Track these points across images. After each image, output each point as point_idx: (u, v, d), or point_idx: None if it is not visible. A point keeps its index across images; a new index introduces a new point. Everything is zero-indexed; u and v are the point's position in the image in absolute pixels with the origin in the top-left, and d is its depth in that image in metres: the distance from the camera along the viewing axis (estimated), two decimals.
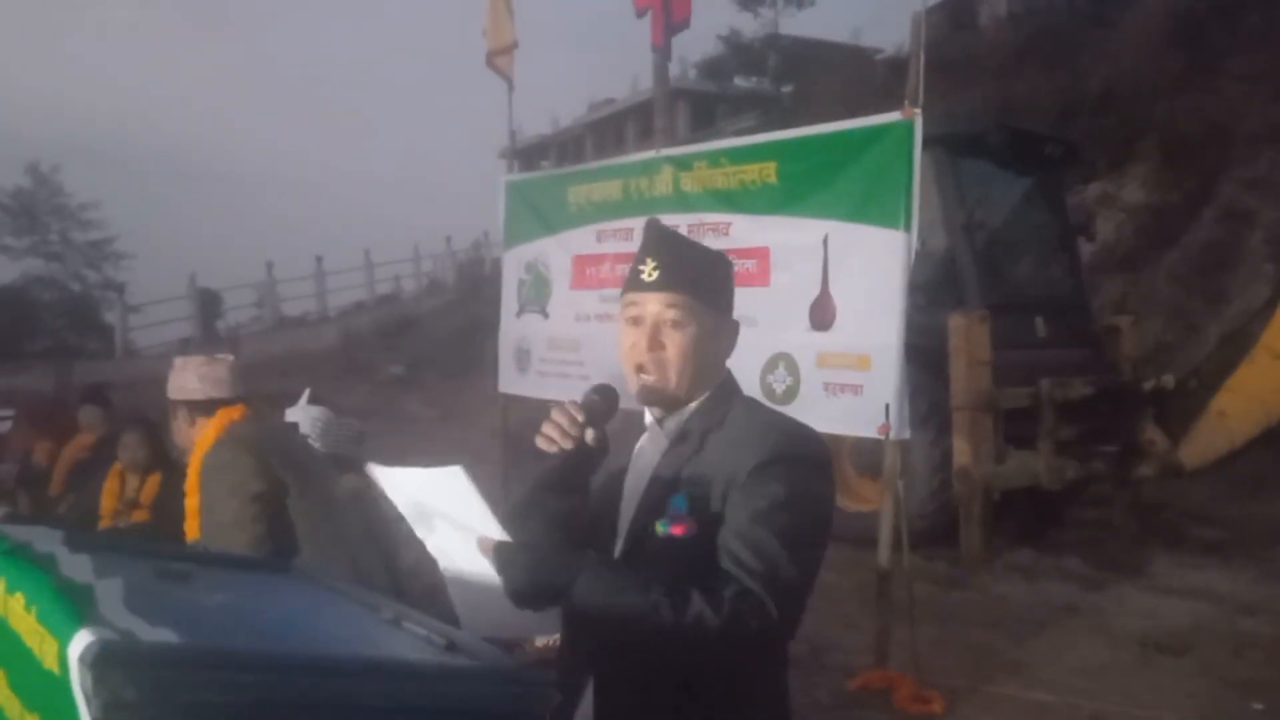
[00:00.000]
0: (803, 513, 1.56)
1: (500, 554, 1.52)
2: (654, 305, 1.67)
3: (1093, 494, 7.45)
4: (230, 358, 3.05)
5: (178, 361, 3.05)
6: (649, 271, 1.67)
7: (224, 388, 2.95)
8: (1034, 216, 8.12)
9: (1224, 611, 5.66)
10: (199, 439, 2.93)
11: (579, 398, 1.69)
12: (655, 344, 1.66)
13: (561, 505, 1.64)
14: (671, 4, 5.74)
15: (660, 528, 1.60)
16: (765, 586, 1.47)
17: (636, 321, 1.69)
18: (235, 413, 2.95)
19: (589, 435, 1.64)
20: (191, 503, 2.94)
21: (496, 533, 1.53)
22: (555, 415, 1.64)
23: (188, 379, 2.95)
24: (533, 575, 1.50)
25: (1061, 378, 6.72)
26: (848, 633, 5.04)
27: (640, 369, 1.68)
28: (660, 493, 1.64)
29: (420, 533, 1.71)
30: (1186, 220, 11.28)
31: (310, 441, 3.30)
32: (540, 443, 1.63)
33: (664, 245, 1.70)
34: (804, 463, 1.61)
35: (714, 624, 1.44)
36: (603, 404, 1.68)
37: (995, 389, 6.42)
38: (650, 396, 1.70)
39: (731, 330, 1.75)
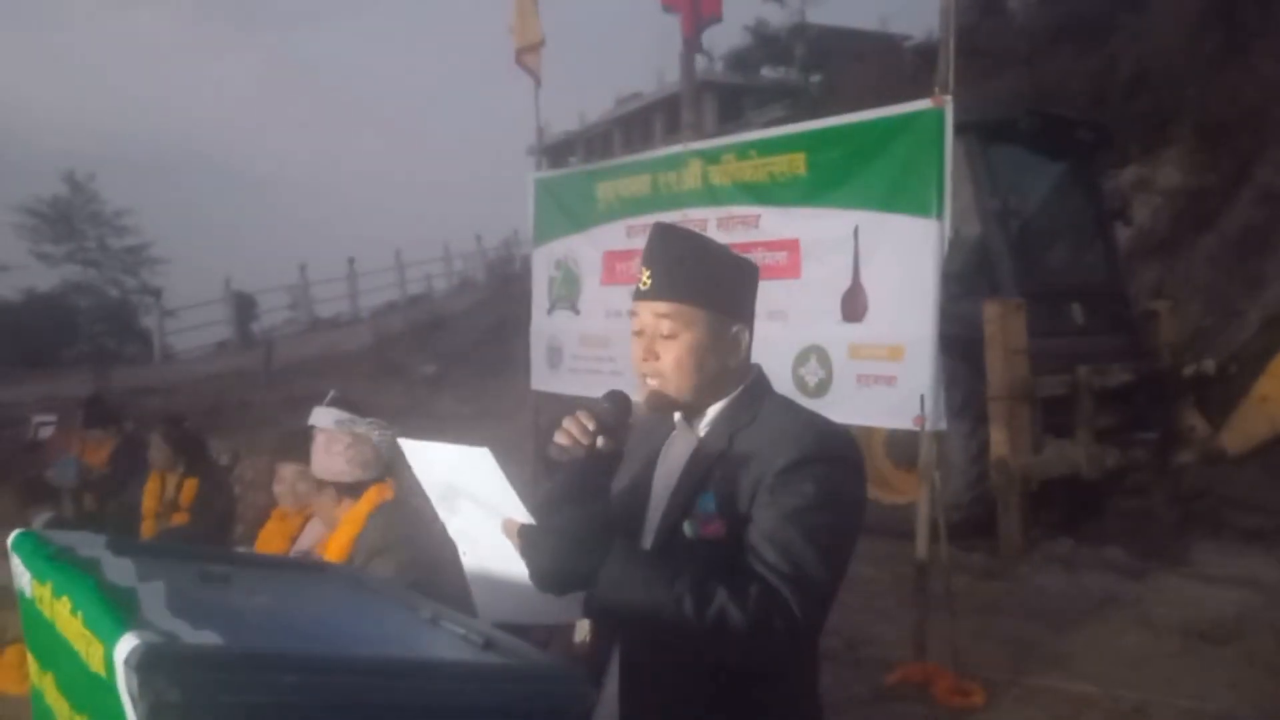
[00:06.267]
0: (832, 514, 1.55)
1: (526, 537, 1.51)
2: (648, 315, 1.68)
3: (1133, 482, 7.34)
4: (374, 434, 2.90)
5: (320, 439, 2.90)
6: (644, 279, 1.68)
7: (371, 469, 2.85)
8: (1068, 202, 8.02)
9: (1268, 599, 5.56)
10: (347, 517, 2.83)
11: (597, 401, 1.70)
12: (650, 354, 1.67)
13: (580, 511, 1.64)
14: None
15: (688, 528, 1.60)
16: (791, 587, 1.47)
17: (639, 331, 1.70)
18: (387, 491, 2.84)
19: (600, 442, 1.64)
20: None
21: (523, 517, 1.53)
22: (567, 424, 1.66)
23: (334, 462, 2.83)
24: (558, 559, 1.48)
25: (1099, 365, 6.66)
26: (885, 626, 5.01)
27: (645, 378, 1.69)
28: (690, 491, 1.63)
29: (443, 514, 1.71)
30: (1223, 203, 11.10)
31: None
32: (553, 451, 1.65)
33: (661, 251, 1.69)
34: (835, 464, 1.59)
35: (737, 621, 1.43)
36: (614, 411, 1.69)
37: (1032, 378, 6.35)
38: (655, 403, 1.70)
39: (741, 333, 1.71)
